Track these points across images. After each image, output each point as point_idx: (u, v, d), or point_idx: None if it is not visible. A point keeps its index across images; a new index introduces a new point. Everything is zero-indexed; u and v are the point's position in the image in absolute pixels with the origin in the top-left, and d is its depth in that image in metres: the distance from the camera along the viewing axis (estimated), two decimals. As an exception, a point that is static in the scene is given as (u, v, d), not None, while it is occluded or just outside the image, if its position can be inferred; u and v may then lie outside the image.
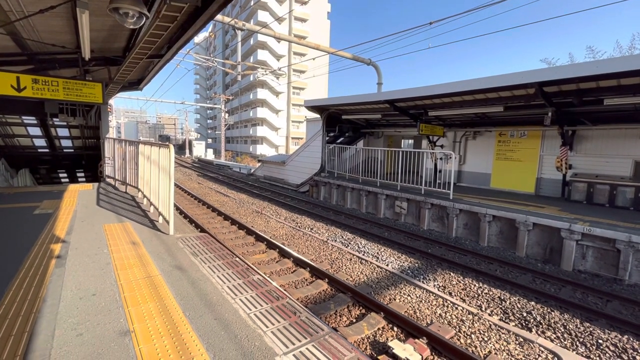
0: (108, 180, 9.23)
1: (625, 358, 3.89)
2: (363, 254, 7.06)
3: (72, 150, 13.96)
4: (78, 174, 14.83)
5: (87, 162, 14.04)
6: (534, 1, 8.60)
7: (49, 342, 2.22)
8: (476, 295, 5.37)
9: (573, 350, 4.02)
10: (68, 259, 3.62)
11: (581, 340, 4.20)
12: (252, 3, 44.39)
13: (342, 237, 8.28)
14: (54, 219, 5.23)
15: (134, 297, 2.86)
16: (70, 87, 6.28)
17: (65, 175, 14.62)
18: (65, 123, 11.35)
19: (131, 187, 7.50)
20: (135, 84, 9.98)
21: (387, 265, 6.51)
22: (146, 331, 2.38)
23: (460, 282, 5.87)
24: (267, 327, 2.54)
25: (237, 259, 4.00)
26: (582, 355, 3.91)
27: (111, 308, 2.67)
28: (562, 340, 4.21)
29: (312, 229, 9.00)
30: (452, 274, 6.20)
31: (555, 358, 3.77)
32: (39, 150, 13.13)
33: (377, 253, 7.17)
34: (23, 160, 12.54)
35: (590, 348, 4.05)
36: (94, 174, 12.77)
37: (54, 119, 11.01)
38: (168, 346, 2.23)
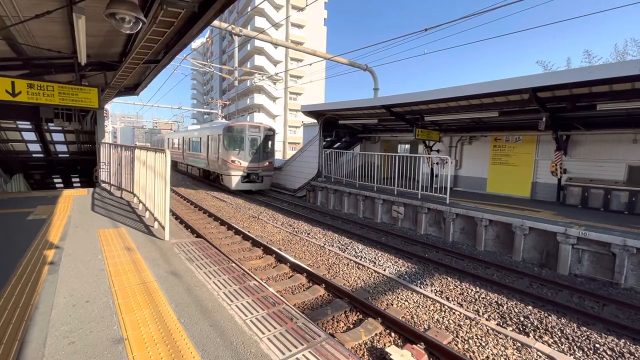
0: (103, 185, 9.15)
1: (623, 362, 3.89)
2: (360, 259, 7.03)
3: (67, 155, 13.86)
4: (73, 179, 14.70)
5: (82, 167, 13.93)
6: (530, 8, 8.70)
7: (41, 350, 2.17)
8: (473, 300, 5.36)
9: (570, 354, 4.01)
10: (61, 265, 3.56)
11: (578, 344, 4.20)
12: (249, 9, 44.72)
13: (339, 242, 8.26)
14: (48, 224, 5.16)
15: (128, 304, 2.82)
16: (65, 92, 6.27)
17: (59, 180, 14.49)
18: (60, 128, 11.28)
19: (126, 192, 7.45)
20: (131, 89, 9.98)
21: (385, 270, 6.49)
22: (140, 339, 2.35)
23: (457, 286, 5.86)
24: (263, 333, 2.51)
25: (234, 264, 3.96)
26: (580, 360, 3.91)
27: (105, 315, 2.63)
28: (560, 344, 4.20)
29: (309, 234, 8.97)
30: (449, 278, 6.19)
31: (553, 363, 3.76)
32: (34, 155, 13.02)
33: (375, 258, 7.15)
34: (17, 165, 12.42)
35: (588, 352, 4.05)
36: (89, 179, 12.68)
37: (49, 124, 10.94)
38: (162, 354, 2.19)
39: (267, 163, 16.03)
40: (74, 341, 2.28)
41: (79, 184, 14.68)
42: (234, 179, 15.09)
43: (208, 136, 17.36)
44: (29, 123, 11.26)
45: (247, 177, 15.25)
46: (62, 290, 3.01)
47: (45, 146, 12.74)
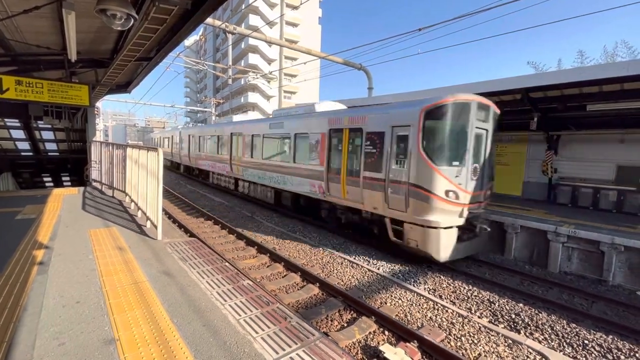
0: (94, 184, 9.02)
1: (610, 358, 3.97)
2: (354, 258, 7.05)
3: (57, 154, 13.66)
4: (63, 178, 14.49)
5: (72, 165, 13.74)
6: (524, 8, 8.78)
7: (29, 352, 2.13)
8: (466, 298, 5.42)
9: (560, 351, 4.08)
10: (51, 266, 3.51)
11: (568, 341, 4.27)
12: (243, 7, 44.41)
13: (334, 241, 8.26)
14: (37, 224, 5.07)
15: (120, 304, 2.79)
16: (55, 89, 6.17)
17: (49, 179, 14.27)
18: (50, 126, 11.11)
19: (118, 191, 7.36)
20: (123, 87, 9.84)
21: (379, 269, 6.51)
22: (132, 339, 2.32)
23: (450, 285, 5.91)
24: (257, 332, 2.50)
25: (227, 264, 3.94)
26: (569, 356, 3.98)
27: (95, 316, 2.60)
28: (550, 341, 4.27)
29: (303, 233, 8.95)
30: (442, 277, 6.24)
31: (543, 359, 3.82)
32: (22, 153, 12.81)
33: (369, 257, 7.17)
34: (5, 163, 12.18)
35: (577, 349, 4.12)
36: (80, 178, 12.50)
37: (38, 122, 10.76)
38: (155, 354, 2.17)
39: (489, 191, 7.23)
40: (64, 342, 2.25)
41: (69, 183, 14.46)
42: (446, 236, 6.27)
43: (329, 131, 8.43)
44: (17, 121, 11.05)
45: (465, 228, 6.64)
46: (52, 291, 2.96)
47: (35, 144, 12.53)
